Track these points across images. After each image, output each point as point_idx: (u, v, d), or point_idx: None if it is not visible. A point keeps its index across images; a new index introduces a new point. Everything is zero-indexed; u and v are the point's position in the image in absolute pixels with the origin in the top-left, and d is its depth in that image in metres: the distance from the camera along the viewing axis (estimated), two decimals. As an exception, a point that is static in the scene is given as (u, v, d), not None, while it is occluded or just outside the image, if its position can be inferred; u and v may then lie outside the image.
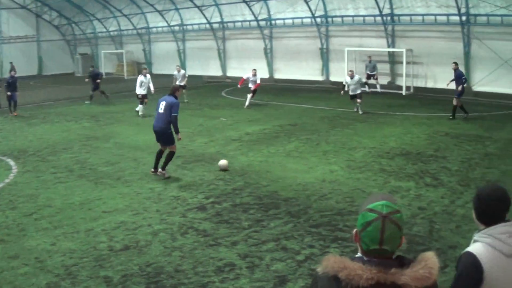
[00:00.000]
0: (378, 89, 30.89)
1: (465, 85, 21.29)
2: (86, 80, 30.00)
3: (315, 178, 12.84)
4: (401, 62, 31.14)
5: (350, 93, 23.15)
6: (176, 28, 45.24)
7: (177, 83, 26.71)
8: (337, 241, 8.86)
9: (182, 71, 28.72)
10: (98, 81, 28.82)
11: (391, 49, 32.42)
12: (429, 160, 14.52)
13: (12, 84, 25.09)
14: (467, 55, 29.30)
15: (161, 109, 13.11)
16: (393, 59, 32.88)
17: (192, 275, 7.64)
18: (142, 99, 23.85)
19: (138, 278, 7.63)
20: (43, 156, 16.20)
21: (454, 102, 21.02)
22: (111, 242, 9.03)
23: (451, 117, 21.10)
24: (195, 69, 44.24)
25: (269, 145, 16.83)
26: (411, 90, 31.01)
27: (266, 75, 40.04)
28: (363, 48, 33.31)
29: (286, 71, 39.16)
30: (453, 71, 21.60)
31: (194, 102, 28.44)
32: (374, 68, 31.31)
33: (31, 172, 14.22)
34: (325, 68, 36.46)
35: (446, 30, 29.80)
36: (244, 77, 26.70)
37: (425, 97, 28.70)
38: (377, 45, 33.01)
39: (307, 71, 37.47)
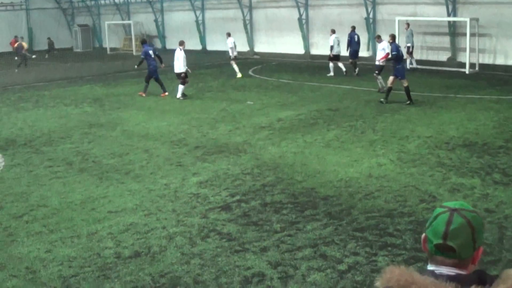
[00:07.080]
0: (414, 65, 32.03)
1: None
2: (136, 66, 27.05)
3: (359, 173, 12.85)
4: (464, 34, 30.76)
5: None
6: (194, -7, 45.12)
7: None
8: (386, 248, 8.85)
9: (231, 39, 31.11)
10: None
11: (451, 19, 32.07)
12: (498, 153, 14.38)
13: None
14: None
15: None
16: (454, 31, 32.54)
17: (215, 286, 7.71)
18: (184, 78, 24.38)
19: (150, 291, 7.72)
20: (36, 146, 16.46)
21: None
22: (118, 248, 9.14)
23: None
24: (216, 44, 43.98)
25: (305, 134, 16.87)
26: (476, 68, 30.70)
27: (301, 51, 39.98)
28: (418, 17, 32.96)
29: (325, 46, 38.82)
30: None
31: (216, 83, 28.58)
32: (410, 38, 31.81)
33: (21, 165, 14.46)
34: (371, 42, 36.11)
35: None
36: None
37: (493, 76, 28.37)
38: (435, 13, 32.63)
39: (351, 45, 37.14)
